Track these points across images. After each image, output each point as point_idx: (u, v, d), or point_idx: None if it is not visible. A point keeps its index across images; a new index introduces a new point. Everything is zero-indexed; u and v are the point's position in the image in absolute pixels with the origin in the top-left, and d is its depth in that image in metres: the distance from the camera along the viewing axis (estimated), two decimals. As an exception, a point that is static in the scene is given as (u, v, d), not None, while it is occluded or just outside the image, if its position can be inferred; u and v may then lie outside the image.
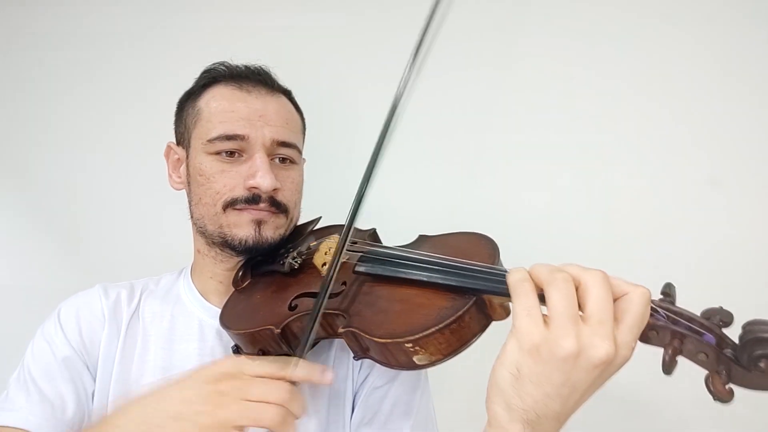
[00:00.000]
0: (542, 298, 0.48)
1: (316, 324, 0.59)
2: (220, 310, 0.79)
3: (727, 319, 0.47)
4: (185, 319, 0.81)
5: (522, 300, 0.47)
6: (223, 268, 0.82)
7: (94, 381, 0.75)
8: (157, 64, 1.32)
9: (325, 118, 1.17)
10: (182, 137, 0.82)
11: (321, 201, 0.92)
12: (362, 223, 0.71)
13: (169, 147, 0.85)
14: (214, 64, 0.84)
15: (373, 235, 0.81)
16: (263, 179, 0.73)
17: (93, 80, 1.34)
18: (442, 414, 0.80)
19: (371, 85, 1.21)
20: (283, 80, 0.87)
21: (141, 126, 1.30)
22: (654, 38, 1.09)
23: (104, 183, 1.33)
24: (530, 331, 0.45)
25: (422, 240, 0.75)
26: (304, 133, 0.89)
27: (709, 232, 1.04)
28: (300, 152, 0.84)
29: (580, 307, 0.46)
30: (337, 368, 0.77)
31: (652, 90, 1.09)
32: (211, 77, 0.81)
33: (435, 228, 0.78)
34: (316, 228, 0.88)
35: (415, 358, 0.55)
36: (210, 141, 0.75)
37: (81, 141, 1.34)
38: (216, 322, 0.79)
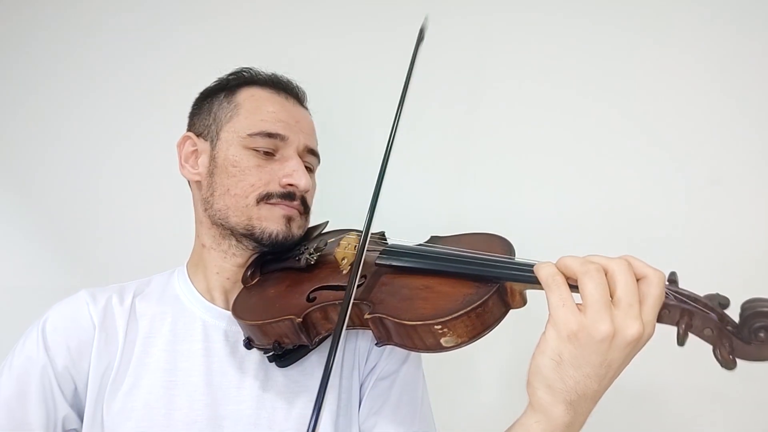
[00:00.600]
0: (572, 288, 0.53)
1: (349, 310, 0.61)
2: (223, 310, 0.80)
3: (724, 302, 0.53)
4: (187, 320, 0.79)
5: (556, 292, 0.52)
6: (233, 264, 0.82)
7: (76, 398, 0.73)
8: (157, 69, 1.33)
9: (326, 124, 1.21)
10: (208, 129, 0.82)
11: (323, 206, 0.96)
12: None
13: (186, 137, 0.84)
14: (243, 67, 0.86)
15: (382, 237, 0.84)
16: (301, 179, 0.78)
17: (92, 82, 1.34)
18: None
19: (373, 93, 1.24)
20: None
21: (142, 126, 1.30)
22: (654, 38, 1.12)
23: (104, 183, 1.31)
24: (568, 319, 0.50)
25: (435, 240, 0.79)
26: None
27: (710, 231, 1.07)
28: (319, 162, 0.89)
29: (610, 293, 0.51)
30: (346, 361, 0.80)
31: (653, 90, 1.12)
32: (247, 78, 0.84)
33: (442, 229, 0.82)
34: (324, 232, 0.91)
35: (442, 340, 0.59)
36: (250, 135, 0.78)
37: (81, 141, 1.33)
38: (221, 322, 0.79)
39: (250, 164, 0.77)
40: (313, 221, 0.91)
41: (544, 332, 0.52)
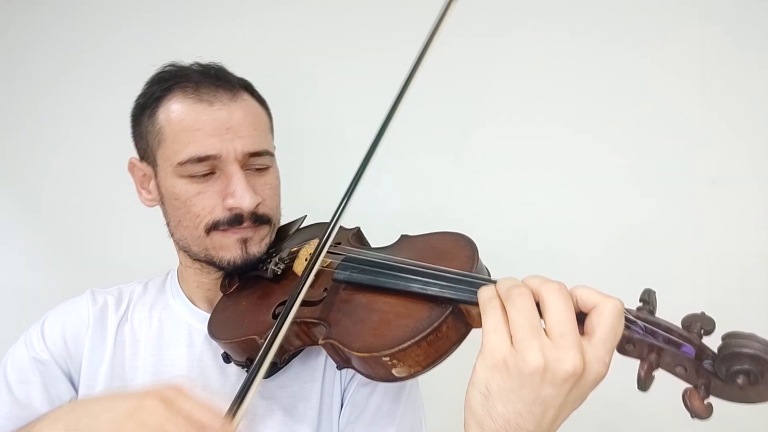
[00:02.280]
0: None
1: (275, 345, 0.57)
2: (208, 315, 0.79)
3: (708, 326, 0.45)
4: (173, 324, 0.81)
5: (489, 316, 0.47)
6: (210, 278, 0.81)
7: (74, 388, 0.76)
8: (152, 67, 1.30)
9: (310, 115, 1.15)
10: (146, 153, 0.77)
11: (308, 199, 0.91)
12: (347, 221, 0.70)
13: (132, 163, 0.80)
14: (164, 66, 0.77)
15: (357, 234, 0.79)
16: (243, 199, 0.70)
17: (90, 82, 1.32)
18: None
19: (356, 83, 1.19)
20: (264, 80, 0.81)
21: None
22: (653, 37, 1.08)
23: (103, 184, 1.31)
24: (496, 347, 0.44)
25: (403, 240, 0.73)
26: (272, 127, 0.83)
27: (709, 231, 1.04)
28: (273, 154, 0.79)
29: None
30: (327, 372, 0.78)
31: (651, 89, 1.08)
32: (165, 87, 0.74)
33: (420, 226, 0.76)
34: (301, 227, 0.87)
35: (393, 371, 0.55)
36: (180, 164, 0.71)
37: (80, 141, 1.33)
38: (205, 326, 0.78)
39: (189, 194, 0.72)
40: (294, 215, 0.88)
41: (475, 362, 0.47)
